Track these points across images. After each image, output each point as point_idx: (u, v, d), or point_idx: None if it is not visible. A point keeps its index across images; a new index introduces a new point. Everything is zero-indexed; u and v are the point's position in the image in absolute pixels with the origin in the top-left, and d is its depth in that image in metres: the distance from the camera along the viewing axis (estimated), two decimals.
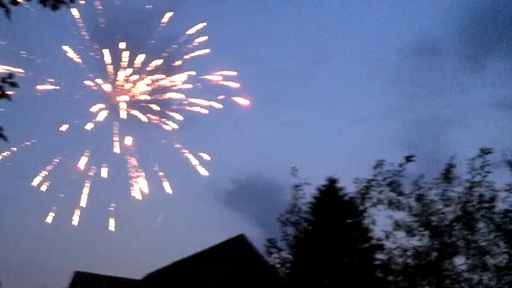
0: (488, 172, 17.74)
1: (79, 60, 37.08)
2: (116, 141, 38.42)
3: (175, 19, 38.84)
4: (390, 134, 58.49)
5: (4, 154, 35.07)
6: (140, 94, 37.62)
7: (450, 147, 49.41)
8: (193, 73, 38.33)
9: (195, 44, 37.61)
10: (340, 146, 58.38)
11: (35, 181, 37.20)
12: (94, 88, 37.56)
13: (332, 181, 20.99)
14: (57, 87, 37.32)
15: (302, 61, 64.46)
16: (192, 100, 38.54)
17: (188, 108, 38.53)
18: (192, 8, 50.71)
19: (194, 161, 38.49)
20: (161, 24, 38.14)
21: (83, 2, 6.59)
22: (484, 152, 17.75)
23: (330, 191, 20.80)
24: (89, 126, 37.78)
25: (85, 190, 38.20)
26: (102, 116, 37.62)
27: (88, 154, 38.49)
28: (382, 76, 65.26)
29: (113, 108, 37.76)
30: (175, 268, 33.17)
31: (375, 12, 65.63)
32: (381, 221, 18.86)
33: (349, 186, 20.08)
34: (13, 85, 6.61)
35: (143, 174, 39.21)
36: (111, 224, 38.79)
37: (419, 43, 63.28)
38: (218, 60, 40.35)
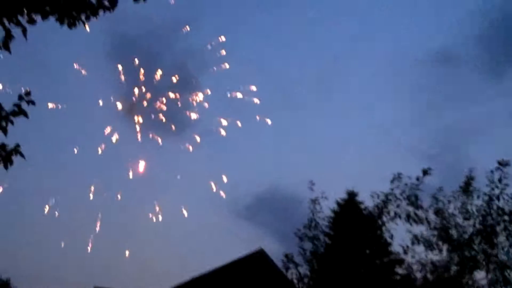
0: (506, 184, 17.51)
1: (92, 77, 37.03)
2: (130, 164, 38.20)
3: (192, 33, 38.89)
4: (410, 144, 57.69)
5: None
6: (156, 110, 37.51)
7: (471, 157, 48.66)
8: (209, 91, 38.25)
9: (214, 58, 37.48)
10: (359, 157, 57.78)
11: (47, 206, 36.88)
12: (108, 106, 37.34)
13: (351, 195, 20.71)
14: (64, 106, 37.09)
15: (320, 71, 64.19)
16: (210, 117, 38.51)
17: (206, 125, 38.45)
18: (207, 23, 50.81)
19: (212, 182, 38.33)
20: (178, 38, 38.19)
21: (96, 20, 6.64)
22: (502, 164, 17.51)
23: (349, 205, 20.53)
24: (102, 148, 37.52)
25: (100, 215, 38.03)
26: (115, 138, 37.27)
27: (101, 177, 38.36)
28: (401, 85, 64.65)
29: (128, 129, 37.63)
30: (194, 283, 33.00)
31: (393, 22, 65.38)
32: (399, 235, 18.68)
33: (368, 198, 19.81)
34: (30, 102, 6.64)
35: (160, 194, 39.12)
36: (127, 249, 38.75)
37: (438, 52, 62.65)
38: (235, 73, 40.20)
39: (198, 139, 38.50)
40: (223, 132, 38.16)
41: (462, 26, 70.24)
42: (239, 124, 38.62)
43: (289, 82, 61.45)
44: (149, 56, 38.46)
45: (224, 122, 38.16)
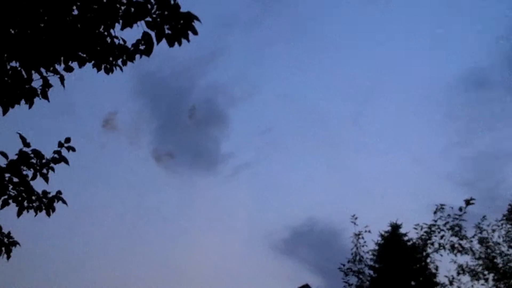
0: None
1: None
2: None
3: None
4: (447, 172, 55.56)
5: None
6: None
7: (510, 182, 46.58)
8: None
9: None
10: (397, 188, 55.76)
11: None
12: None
13: (395, 227, 19.74)
14: None
15: (352, 103, 62.82)
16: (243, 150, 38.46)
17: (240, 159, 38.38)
18: (233, 56, 50.52)
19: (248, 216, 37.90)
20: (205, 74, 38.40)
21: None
22: None
23: (393, 237, 19.56)
24: None
25: None
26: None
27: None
28: (434, 113, 62.69)
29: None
30: None
31: (419, 48, 64.09)
32: (444, 266, 17.81)
33: (410, 229, 18.97)
34: (70, 149, 6.40)
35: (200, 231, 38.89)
36: None
37: (468, 77, 60.67)
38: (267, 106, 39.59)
39: (232, 172, 38.47)
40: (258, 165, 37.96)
41: (488, 48, 68.25)
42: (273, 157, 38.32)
43: (323, 117, 60.54)
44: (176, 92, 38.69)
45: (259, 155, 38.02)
